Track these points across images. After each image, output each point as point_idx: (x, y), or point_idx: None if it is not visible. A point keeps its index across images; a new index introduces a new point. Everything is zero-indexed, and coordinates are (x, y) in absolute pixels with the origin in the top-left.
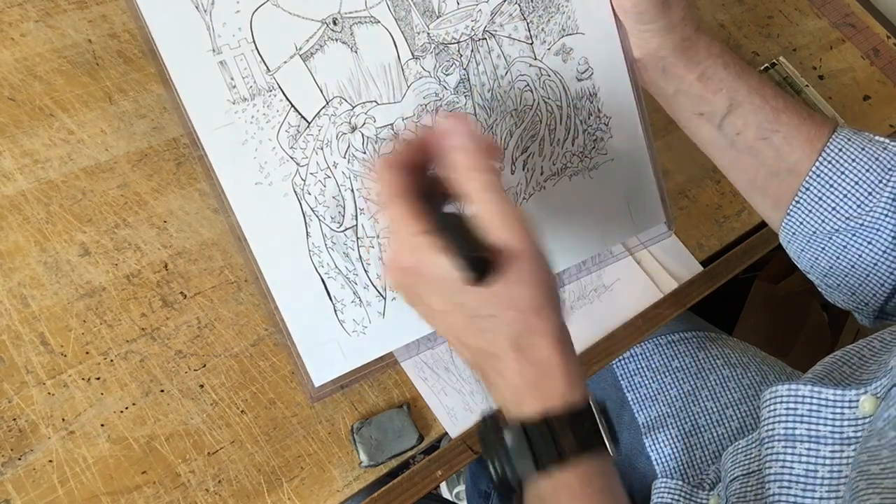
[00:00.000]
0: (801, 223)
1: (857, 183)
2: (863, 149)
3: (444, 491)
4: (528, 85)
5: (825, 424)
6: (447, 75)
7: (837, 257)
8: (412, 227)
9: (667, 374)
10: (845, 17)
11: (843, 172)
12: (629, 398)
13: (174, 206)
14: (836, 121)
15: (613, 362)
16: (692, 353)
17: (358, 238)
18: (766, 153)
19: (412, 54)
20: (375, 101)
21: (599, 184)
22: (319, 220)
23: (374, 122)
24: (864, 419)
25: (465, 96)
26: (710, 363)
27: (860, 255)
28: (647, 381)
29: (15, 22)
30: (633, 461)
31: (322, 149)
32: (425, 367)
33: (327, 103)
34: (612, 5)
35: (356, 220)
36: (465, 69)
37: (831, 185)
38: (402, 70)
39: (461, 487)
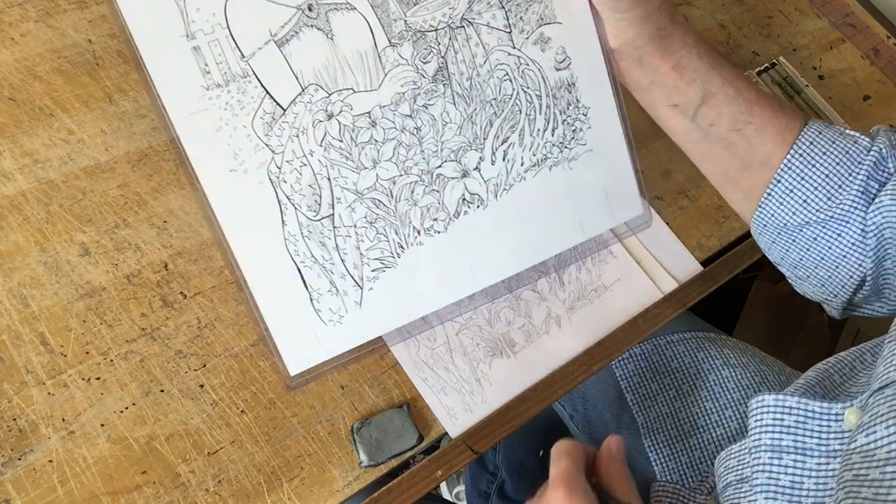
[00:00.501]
0: (772, 215)
1: (827, 176)
2: (833, 142)
3: (444, 491)
4: (507, 74)
5: (811, 436)
6: (425, 63)
7: (807, 249)
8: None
9: (666, 374)
10: (845, 17)
11: (813, 165)
12: (628, 399)
13: (174, 206)
14: (833, 119)
15: (613, 363)
16: (692, 353)
17: (335, 227)
18: (739, 144)
19: (389, 42)
20: (352, 89)
21: (579, 174)
22: (295, 208)
23: (351, 109)
24: (850, 432)
25: (444, 85)
26: (710, 364)
27: (830, 247)
28: (646, 382)
29: (15, 22)
30: (632, 462)
31: (298, 136)
32: (425, 367)
33: (303, 90)
34: None
35: (333, 208)
36: (443, 57)
37: (802, 178)
38: (379, 57)
39: (461, 487)
